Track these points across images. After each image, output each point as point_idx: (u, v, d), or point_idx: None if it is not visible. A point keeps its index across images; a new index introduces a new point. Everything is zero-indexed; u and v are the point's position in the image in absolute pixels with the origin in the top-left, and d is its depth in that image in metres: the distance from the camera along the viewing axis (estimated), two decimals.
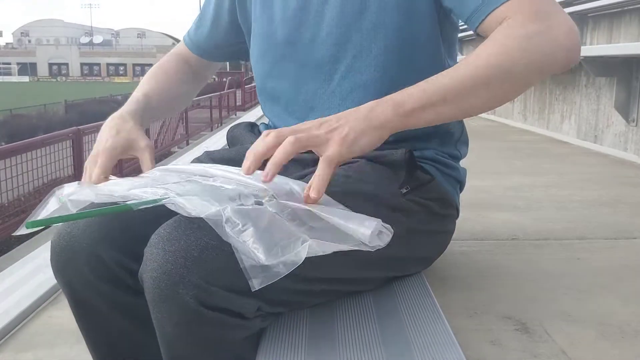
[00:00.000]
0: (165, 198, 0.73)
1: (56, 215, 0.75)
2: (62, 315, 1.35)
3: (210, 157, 1.08)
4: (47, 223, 0.75)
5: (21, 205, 5.49)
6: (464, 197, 1.21)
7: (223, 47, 1.24)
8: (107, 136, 0.96)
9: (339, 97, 1.03)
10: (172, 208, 0.72)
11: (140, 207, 0.73)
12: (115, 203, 0.76)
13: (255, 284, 0.67)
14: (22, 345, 1.22)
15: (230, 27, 1.18)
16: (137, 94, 1.09)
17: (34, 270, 1.68)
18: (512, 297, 1.19)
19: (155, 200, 0.73)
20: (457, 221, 1.17)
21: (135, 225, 0.87)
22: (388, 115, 0.80)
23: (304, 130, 0.77)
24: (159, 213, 0.79)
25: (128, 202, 0.74)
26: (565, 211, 1.94)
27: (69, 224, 0.88)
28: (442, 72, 0.84)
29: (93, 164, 0.95)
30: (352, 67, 1.01)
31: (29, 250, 2.03)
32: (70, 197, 0.80)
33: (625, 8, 3.75)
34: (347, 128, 0.77)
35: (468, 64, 0.82)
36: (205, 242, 0.75)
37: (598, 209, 1.96)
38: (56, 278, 0.91)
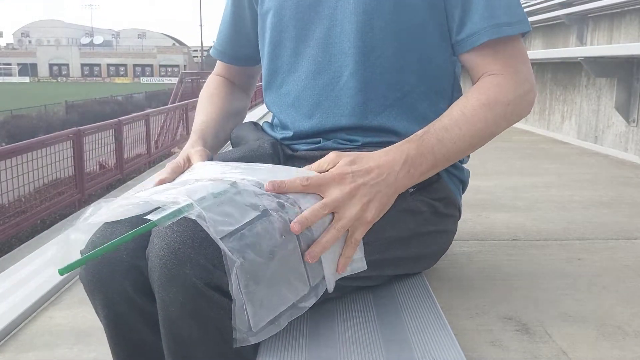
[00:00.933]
0: (187, 207, 0.73)
1: (82, 258, 0.74)
2: (63, 315, 1.35)
3: (218, 158, 1.09)
4: (77, 265, 0.73)
5: (22, 206, 5.49)
6: (465, 197, 1.21)
7: (249, 47, 1.23)
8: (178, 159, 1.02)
9: (346, 94, 1.04)
10: (193, 217, 0.73)
11: (166, 223, 0.72)
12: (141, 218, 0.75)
13: (238, 342, 0.75)
14: (22, 345, 1.22)
15: (252, 24, 1.19)
16: (195, 127, 1.14)
17: (34, 271, 1.68)
18: (513, 298, 1.19)
19: (180, 211, 0.73)
20: (458, 221, 1.17)
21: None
22: (407, 182, 0.92)
23: (346, 217, 0.84)
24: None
25: (153, 220, 0.72)
26: (565, 211, 1.94)
27: (105, 235, 0.84)
28: (446, 133, 0.95)
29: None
30: (361, 65, 1.02)
31: (29, 251, 2.03)
32: (87, 221, 0.79)
33: (626, 8, 3.75)
34: (377, 203, 0.87)
35: (469, 128, 0.96)
36: None
37: (598, 209, 1.96)
38: (88, 292, 0.86)
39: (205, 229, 0.72)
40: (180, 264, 0.74)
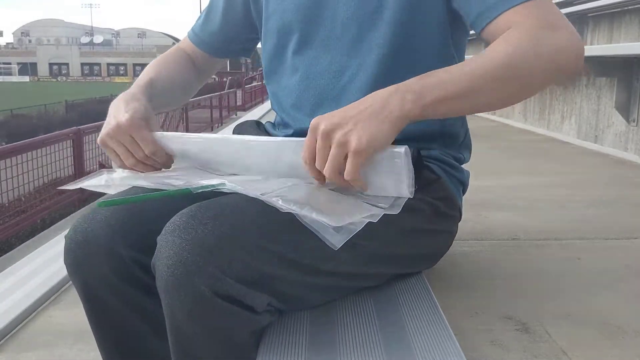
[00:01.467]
0: (222, 184, 0.81)
1: (125, 197, 0.83)
2: (62, 315, 1.35)
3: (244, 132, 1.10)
4: (119, 203, 0.83)
5: (21, 205, 5.49)
6: (465, 197, 1.21)
7: (233, 42, 1.24)
8: (123, 108, 0.95)
9: (348, 94, 1.04)
10: (228, 190, 0.80)
11: (198, 191, 0.80)
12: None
13: (336, 243, 0.75)
14: (22, 345, 1.22)
15: (243, 21, 1.19)
16: (140, 80, 1.09)
17: (34, 271, 1.68)
18: (513, 297, 1.19)
19: (213, 186, 0.80)
20: (458, 223, 1.17)
21: (151, 219, 0.86)
22: (408, 106, 0.81)
23: (323, 156, 0.82)
24: (172, 208, 0.82)
25: (188, 187, 0.81)
26: (565, 211, 1.94)
27: (86, 219, 0.87)
28: (458, 64, 0.85)
29: (117, 143, 0.94)
30: (362, 66, 1.02)
31: (29, 250, 2.03)
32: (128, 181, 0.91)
33: (626, 8, 3.75)
34: (356, 135, 0.79)
35: (484, 61, 0.83)
36: (221, 231, 0.75)
37: (598, 209, 1.96)
38: (70, 275, 0.89)
39: (241, 191, 0.78)
40: (189, 273, 0.73)
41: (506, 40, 0.85)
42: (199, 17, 1.27)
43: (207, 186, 0.81)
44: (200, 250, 0.74)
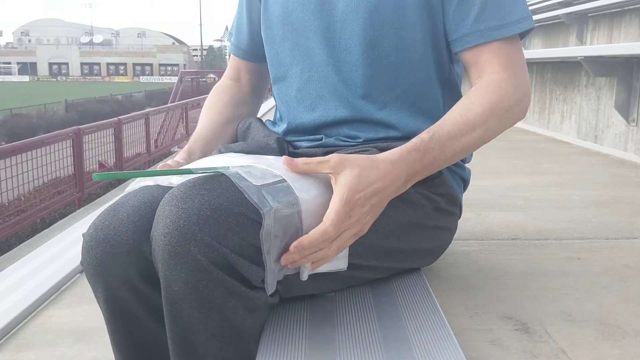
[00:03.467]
0: (226, 167, 0.82)
1: (119, 172, 0.82)
2: (62, 315, 1.35)
3: (229, 150, 1.10)
4: (113, 177, 0.84)
5: (21, 205, 5.49)
6: (465, 197, 1.21)
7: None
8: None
9: (348, 87, 1.05)
10: (229, 175, 0.80)
11: (199, 173, 0.81)
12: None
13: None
14: (22, 344, 1.22)
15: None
16: (191, 138, 1.16)
17: (34, 270, 1.68)
18: (513, 297, 1.19)
19: (215, 168, 0.82)
20: (458, 221, 1.17)
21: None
22: (402, 190, 0.91)
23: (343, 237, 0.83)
24: None
25: (189, 167, 0.84)
26: (565, 211, 1.94)
27: (108, 216, 0.84)
28: (448, 141, 0.94)
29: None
30: (362, 61, 1.03)
31: (29, 250, 2.03)
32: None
33: (626, 8, 3.75)
34: (374, 217, 0.86)
35: (470, 139, 0.95)
36: (218, 202, 0.76)
37: (598, 209, 1.96)
38: (90, 277, 0.84)
39: (244, 174, 0.79)
40: (185, 241, 0.74)
41: (482, 107, 0.96)
42: (231, 30, 1.27)
43: (209, 168, 0.82)
44: (197, 218, 0.74)
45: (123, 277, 0.82)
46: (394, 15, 1.01)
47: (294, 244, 0.78)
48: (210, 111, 1.21)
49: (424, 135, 0.93)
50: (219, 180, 0.80)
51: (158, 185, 0.89)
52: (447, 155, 0.94)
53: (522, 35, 1.03)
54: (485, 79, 1.00)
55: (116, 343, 0.88)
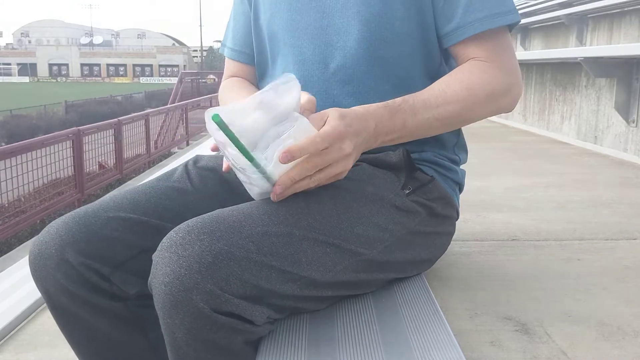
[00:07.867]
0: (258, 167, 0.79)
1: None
2: None
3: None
4: (219, 120, 0.77)
5: (21, 206, 5.49)
6: (464, 198, 1.21)
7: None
8: None
9: (335, 84, 1.05)
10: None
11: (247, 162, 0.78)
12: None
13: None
14: (22, 345, 1.22)
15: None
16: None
17: None
18: (512, 298, 1.19)
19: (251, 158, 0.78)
20: (457, 222, 1.17)
21: (104, 229, 0.89)
22: (366, 147, 0.90)
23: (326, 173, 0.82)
24: (126, 217, 0.89)
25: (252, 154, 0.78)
26: (565, 211, 1.94)
27: (43, 233, 0.91)
28: (422, 109, 0.94)
29: None
30: (350, 58, 1.03)
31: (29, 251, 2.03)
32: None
33: (626, 9, 3.75)
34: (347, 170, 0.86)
35: (444, 112, 0.96)
36: (219, 247, 0.74)
37: (598, 209, 1.96)
38: (36, 285, 0.92)
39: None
40: (187, 291, 0.72)
41: (469, 90, 0.97)
42: (225, 34, 1.26)
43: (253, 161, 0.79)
44: (198, 267, 0.73)
45: (58, 285, 0.88)
46: (383, 9, 1.01)
47: (283, 150, 0.77)
48: (231, 92, 1.20)
49: (397, 99, 0.94)
50: (216, 219, 0.78)
51: (101, 199, 0.96)
52: (419, 121, 0.94)
53: (510, 27, 1.04)
54: (471, 62, 1.01)
55: (76, 349, 0.94)
